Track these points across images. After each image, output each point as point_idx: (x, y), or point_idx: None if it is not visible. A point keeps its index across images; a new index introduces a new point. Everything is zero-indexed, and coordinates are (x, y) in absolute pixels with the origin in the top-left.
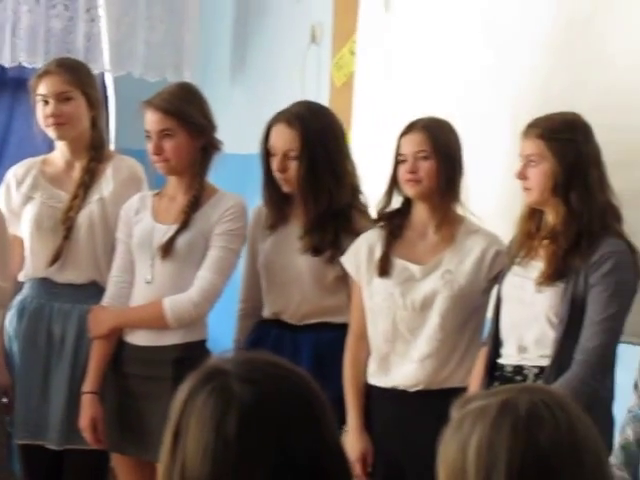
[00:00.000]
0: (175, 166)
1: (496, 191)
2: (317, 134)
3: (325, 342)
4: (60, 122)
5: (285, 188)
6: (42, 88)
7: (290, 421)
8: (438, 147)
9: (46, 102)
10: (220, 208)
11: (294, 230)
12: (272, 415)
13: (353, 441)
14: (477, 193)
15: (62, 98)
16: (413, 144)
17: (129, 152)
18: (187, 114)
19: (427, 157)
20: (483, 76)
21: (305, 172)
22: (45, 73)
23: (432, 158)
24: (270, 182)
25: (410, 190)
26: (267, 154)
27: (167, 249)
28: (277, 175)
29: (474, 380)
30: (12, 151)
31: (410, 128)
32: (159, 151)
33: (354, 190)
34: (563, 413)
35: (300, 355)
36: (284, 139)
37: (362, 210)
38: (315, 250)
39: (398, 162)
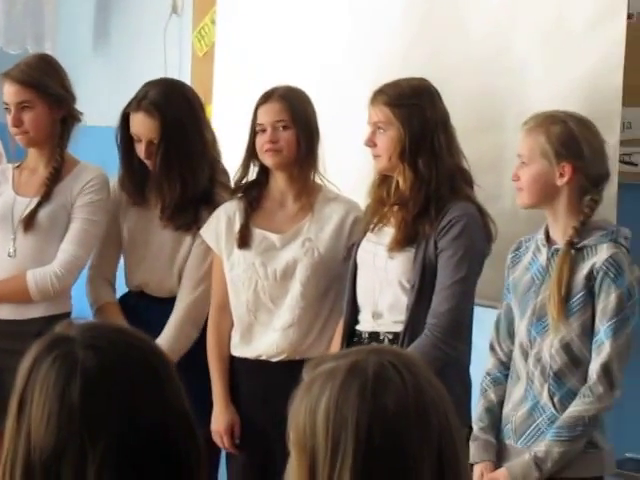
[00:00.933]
0: (34, 138)
1: (356, 160)
2: (174, 121)
3: None
4: None
5: (153, 170)
6: None
7: (134, 388)
8: (297, 116)
9: None
10: (81, 180)
11: (154, 207)
12: (116, 382)
13: (219, 413)
14: (337, 163)
15: None
16: (272, 114)
17: None
18: (45, 85)
19: (286, 126)
20: (344, 44)
21: (160, 160)
22: None
23: (291, 127)
24: (130, 164)
25: (270, 160)
26: (127, 138)
27: (29, 222)
28: (145, 161)
29: (333, 348)
30: None
31: (267, 97)
32: (18, 123)
33: (214, 162)
34: (410, 374)
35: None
36: (146, 128)
37: (222, 183)
38: (176, 227)
39: (256, 132)
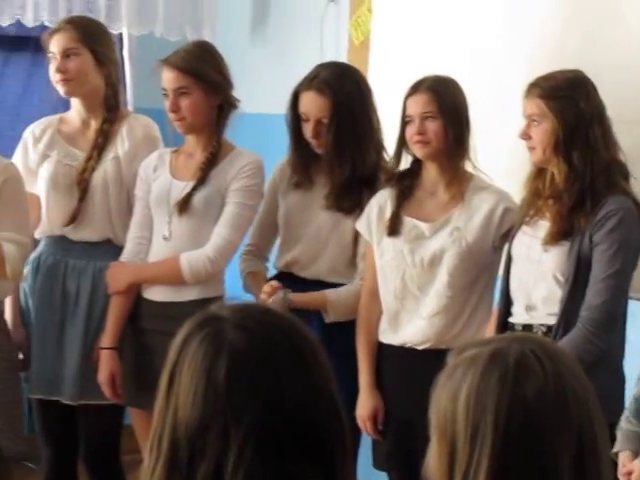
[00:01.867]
0: (191, 124)
1: (509, 150)
2: (345, 101)
3: None
4: (66, 78)
5: (319, 151)
6: (51, 45)
7: (280, 369)
8: (444, 107)
9: (55, 59)
10: (237, 165)
11: (319, 189)
12: (262, 362)
13: (364, 399)
14: (490, 152)
15: (67, 54)
16: (419, 105)
17: (150, 112)
18: (203, 72)
19: (434, 117)
20: (497, 33)
21: (332, 140)
22: (55, 31)
23: (439, 118)
24: (298, 144)
25: (419, 151)
26: (296, 118)
27: (184, 206)
28: (311, 141)
29: None
30: (32, 111)
31: (415, 89)
32: (176, 109)
33: (380, 147)
34: (552, 364)
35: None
36: (316, 107)
37: (385, 169)
38: (339, 208)
39: (405, 123)
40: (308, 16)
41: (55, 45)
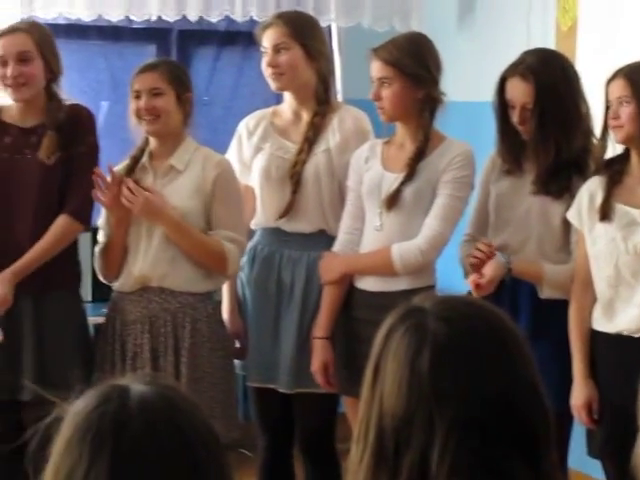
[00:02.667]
0: (390, 113)
1: None
2: (550, 86)
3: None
4: (277, 72)
5: (526, 137)
6: (263, 40)
7: (483, 359)
8: (638, 91)
9: (266, 53)
10: (447, 156)
11: (528, 175)
12: (464, 352)
13: (578, 388)
14: None
15: (278, 49)
16: (615, 90)
17: (360, 102)
18: (404, 64)
19: (628, 102)
20: None
21: (536, 125)
22: (266, 26)
23: (632, 103)
24: (505, 131)
25: (615, 136)
26: (503, 105)
27: (393, 200)
28: (518, 127)
29: None
30: (243, 104)
31: (614, 75)
32: (377, 98)
33: (588, 133)
34: None
35: (518, 295)
36: (521, 92)
37: (595, 155)
38: (547, 192)
39: (607, 108)
40: (515, 3)
41: (267, 40)
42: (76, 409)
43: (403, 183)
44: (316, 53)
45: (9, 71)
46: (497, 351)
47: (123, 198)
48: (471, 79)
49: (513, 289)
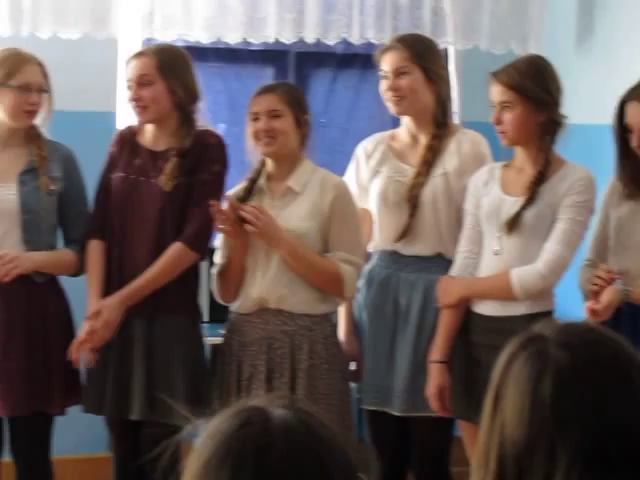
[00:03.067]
0: (512, 137)
1: None
2: None
3: None
4: (398, 96)
5: None
6: (383, 64)
7: (605, 387)
8: None
9: (387, 77)
10: (568, 180)
11: None
12: (588, 381)
13: None
14: None
15: (398, 73)
16: None
17: (478, 125)
18: (526, 88)
19: None
20: None
21: None
22: (386, 49)
23: None
24: (625, 155)
25: None
26: (622, 128)
27: (514, 224)
28: (637, 151)
29: None
30: (360, 126)
31: None
32: (498, 122)
33: None
34: None
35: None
36: (636, 115)
37: None
38: None
39: None
40: (635, 26)
41: (387, 63)
42: (213, 431)
43: (524, 207)
44: (435, 76)
45: (130, 95)
46: (620, 379)
47: (245, 219)
48: (590, 101)
49: (633, 315)
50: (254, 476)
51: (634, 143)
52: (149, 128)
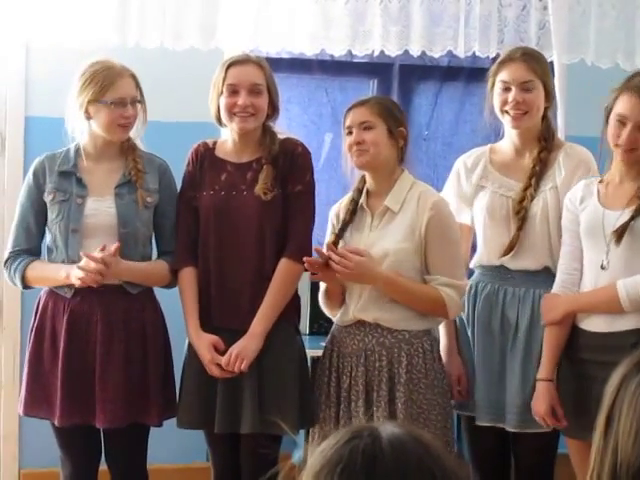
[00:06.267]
0: (638, 157)
1: None
2: None
3: None
4: (522, 110)
5: None
6: (504, 74)
7: None
8: None
9: (508, 89)
10: None
11: None
12: None
13: None
14: None
15: (524, 87)
16: None
17: (581, 140)
18: None
19: None
20: None
21: None
22: (510, 60)
23: None
24: None
25: None
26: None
27: (621, 234)
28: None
29: None
30: (463, 140)
31: None
32: (633, 140)
33: None
34: None
35: None
36: None
37: None
38: None
39: None
40: None
41: (511, 75)
42: (324, 446)
43: (632, 217)
44: (552, 91)
45: (240, 100)
46: None
47: (335, 266)
48: None
49: None
50: None
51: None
52: (228, 141)
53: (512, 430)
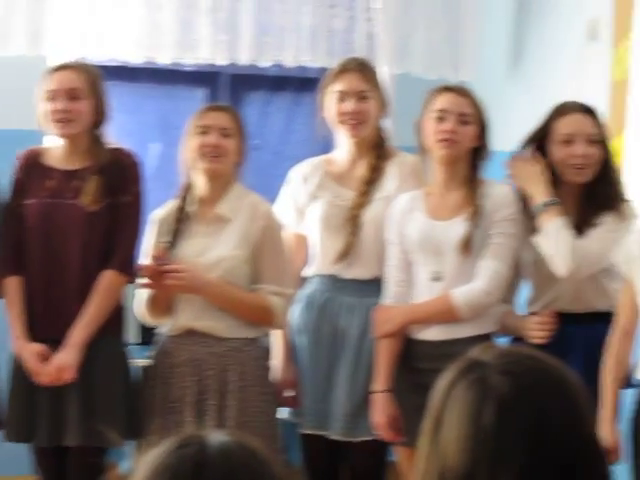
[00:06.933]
0: (458, 152)
1: None
2: None
3: (596, 336)
4: (359, 120)
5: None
6: (341, 84)
7: (547, 415)
8: None
9: (342, 99)
10: (493, 197)
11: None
12: (529, 408)
13: (607, 432)
14: None
15: (361, 96)
16: None
17: (407, 150)
18: (484, 110)
19: None
20: None
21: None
22: (345, 70)
23: None
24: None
25: None
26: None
27: (467, 246)
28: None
29: None
30: (292, 149)
31: None
32: (454, 131)
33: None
34: None
35: (571, 348)
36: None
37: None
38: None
39: None
40: (566, 54)
41: (347, 85)
42: (152, 455)
43: (473, 228)
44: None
45: (58, 105)
46: (561, 407)
47: (168, 280)
48: (522, 129)
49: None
50: None
51: (577, 152)
52: (57, 148)
53: (337, 438)
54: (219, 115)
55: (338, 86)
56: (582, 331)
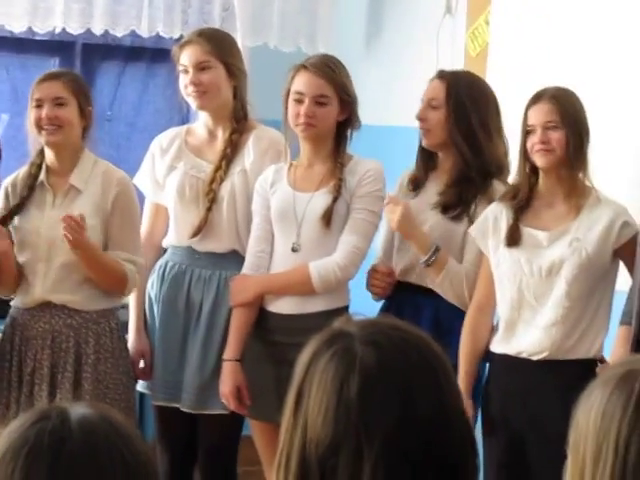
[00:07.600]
0: (319, 133)
1: (626, 162)
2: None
3: (445, 307)
4: (200, 91)
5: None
6: (183, 58)
7: (412, 385)
8: (567, 117)
9: (186, 72)
10: (358, 172)
11: (431, 194)
12: (394, 379)
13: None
14: (610, 164)
15: (201, 67)
16: (542, 114)
17: (264, 123)
18: (344, 86)
19: (556, 127)
20: (616, 43)
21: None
22: (186, 43)
23: (561, 128)
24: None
25: (540, 160)
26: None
27: (328, 218)
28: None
29: (615, 355)
30: (147, 120)
31: (537, 98)
32: (312, 115)
33: (501, 166)
34: None
35: (420, 319)
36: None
37: (504, 184)
38: (444, 207)
39: (527, 133)
40: (423, 28)
41: (187, 58)
42: (10, 428)
43: (334, 200)
44: (236, 71)
45: None
46: (427, 379)
47: (67, 231)
48: (379, 103)
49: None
50: (50, 466)
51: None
52: None
53: (186, 410)
54: (51, 84)
55: (182, 59)
56: (431, 301)
